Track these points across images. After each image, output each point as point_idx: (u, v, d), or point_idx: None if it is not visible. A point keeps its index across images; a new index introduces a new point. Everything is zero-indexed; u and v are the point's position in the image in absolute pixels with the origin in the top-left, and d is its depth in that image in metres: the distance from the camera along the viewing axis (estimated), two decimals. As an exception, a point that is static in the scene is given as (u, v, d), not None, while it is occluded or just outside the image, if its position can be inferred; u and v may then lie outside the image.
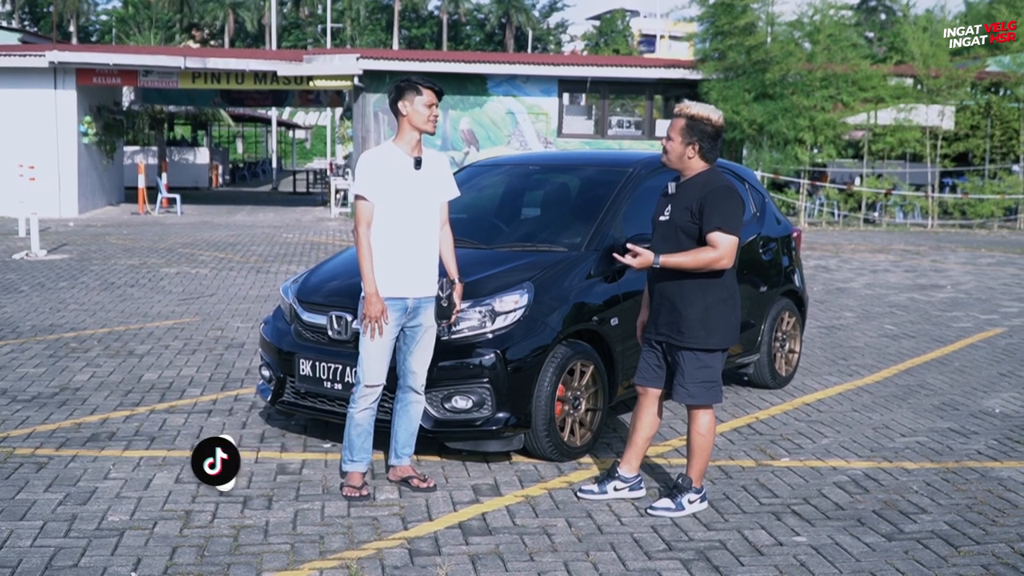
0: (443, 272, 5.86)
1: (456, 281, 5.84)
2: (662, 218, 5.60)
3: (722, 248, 5.34)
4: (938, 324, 12.18)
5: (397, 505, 5.65)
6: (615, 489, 5.74)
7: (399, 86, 5.72)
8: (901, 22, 31.24)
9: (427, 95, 5.67)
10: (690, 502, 5.59)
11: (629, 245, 5.48)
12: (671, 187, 5.64)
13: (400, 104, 5.70)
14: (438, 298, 5.75)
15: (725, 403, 8.08)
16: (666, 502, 5.59)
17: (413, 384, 5.84)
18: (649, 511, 5.56)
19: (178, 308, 12.12)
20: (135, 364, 9.03)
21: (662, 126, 28.91)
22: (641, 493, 5.79)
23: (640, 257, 5.39)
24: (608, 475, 5.82)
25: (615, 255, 5.63)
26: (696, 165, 5.52)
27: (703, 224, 5.37)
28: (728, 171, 8.66)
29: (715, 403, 5.58)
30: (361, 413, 5.75)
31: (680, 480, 5.69)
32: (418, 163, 5.73)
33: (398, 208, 5.66)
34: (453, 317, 5.85)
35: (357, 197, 5.68)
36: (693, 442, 5.62)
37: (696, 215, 5.40)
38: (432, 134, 5.78)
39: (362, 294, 5.71)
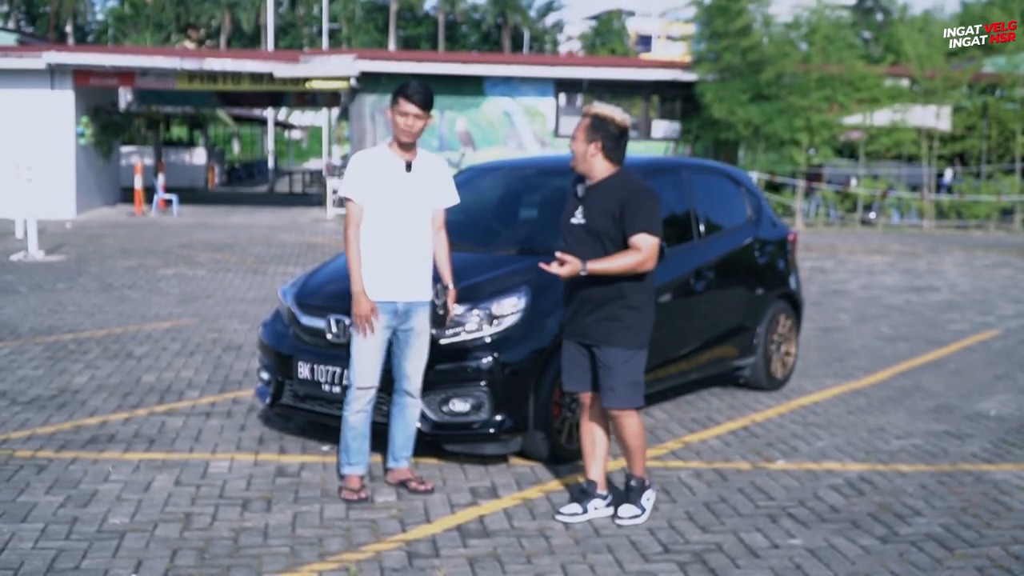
0: (438, 278, 5.89)
1: (450, 287, 5.87)
2: (574, 221, 5.55)
3: (645, 251, 5.34)
4: (934, 326, 12.23)
5: (395, 508, 5.69)
6: (595, 508, 5.63)
7: (393, 92, 5.77)
8: (897, 23, 31.26)
9: (402, 104, 5.64)
10: (647, 499, 5.60)
11: (557, 253, 5.40)
12: (579, 189, 5.58)
13: (388, 110, 5.76)
14: (433, 304, 5.78)
15: (721, 405, 8.13)
16: (630, 509, 5.54)
17: (409, 388, 5.87)
18: (617, 522, 5.50)
19: (176, 310, 12.15)
20: (133, 366, 9.06)
21: (658, 127, 28.99)
22: (612, 510, 5.68)
23: (568, 265, 5.33)
24: (585, 494, 5.66)
25: (541, 264, 5.52)
26: (600, 165, 5.48)
27: (625, 227, 5.35)
28: (724, 174, 8.73)
29: (639, 407, 5.53)
30: (355, 416, 5.78)
31: (632, 483, 5.61)
32: (409, 166, 5.75)
33: (387, 210, 5.69)
34: (448, 322, 5.89)
35: (345, 199, 5.75)
36: (629, 444, 5.54)
37: (618, 219, 5.38)
38: (406, 143, 5.72)
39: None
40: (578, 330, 5.57)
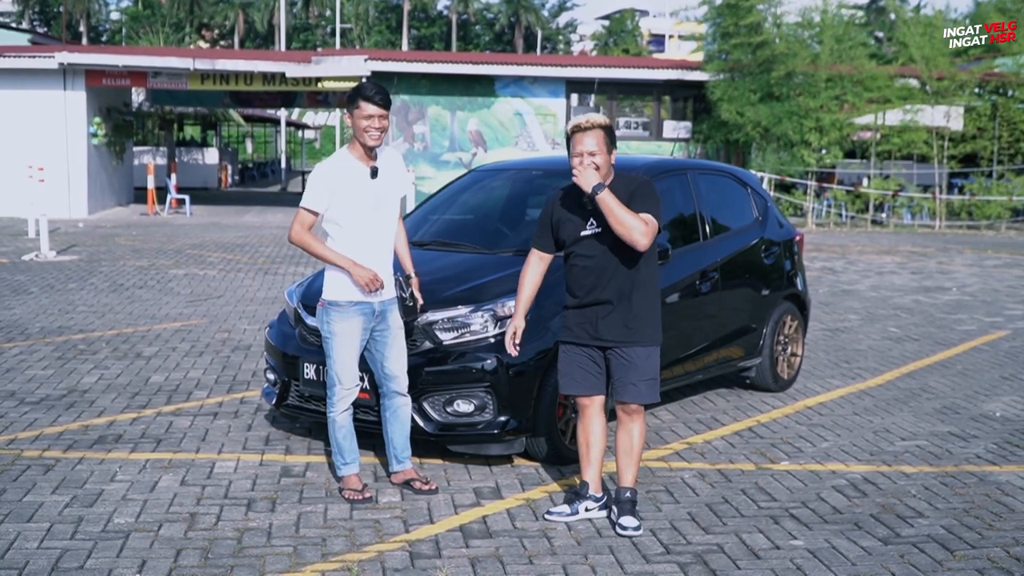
0: (397, 268, 5.90)
1: (412, 275, 5.91)
2: (587, 232, 5.44)
3: (650, 224, 5.27)
4: (942, 327, 12.21)
5: (399, 508, 5.72)
6: (586, 510, 5.60)
7: (349, 95, 5.71)
8: (902, 24, 31.08)
9: (363, 107, 5.58)
10: (636, 510, 5.50)
11: (574, 161, 5.37)
12: (587, 202, 5.43)
13: (347, 116, 5.71)
14: (400, 298, 5.80)
15: (727, 406, 8.14)
16: (632, 520, 5.44)
17: (397, 388, 5.90)
18: (621, 532, 5.38)
19: (186, 310, 12.21)
20: (142, 366, 9.11)
21: (670, 127, 28.97)
22: (605, 513, 5.65)
23: (586, 172, 5.29)
24: (578, 496, 5.64)
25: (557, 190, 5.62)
26: (610, 172, 5.48)
27: (633, 209, 5.29)
28: (731, 175, 8.74)
29: (656, 401, 5.55)
30: (342, 415, 5.83)
31: (627, 494, 5.50)
32: (375, 172, 5.70)
33: (357, 219, 5.67)
34: (419, 311, 5.92)
35: (303, 208, 5.73)
36: (635, 446, 5.49)
37: (627, 206, 5.31)
38: (372, 147, 5.66)
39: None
40: (593, 334, 5.47)
